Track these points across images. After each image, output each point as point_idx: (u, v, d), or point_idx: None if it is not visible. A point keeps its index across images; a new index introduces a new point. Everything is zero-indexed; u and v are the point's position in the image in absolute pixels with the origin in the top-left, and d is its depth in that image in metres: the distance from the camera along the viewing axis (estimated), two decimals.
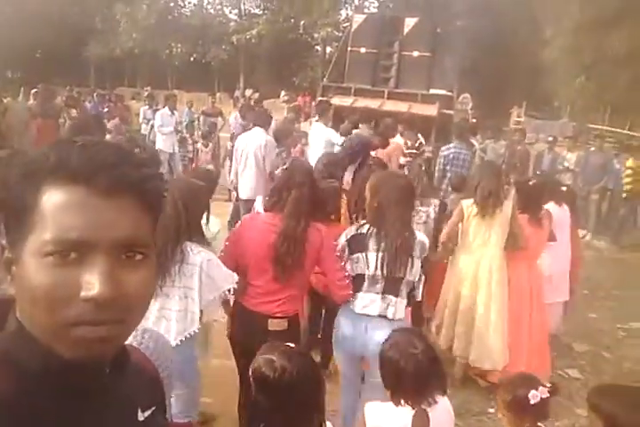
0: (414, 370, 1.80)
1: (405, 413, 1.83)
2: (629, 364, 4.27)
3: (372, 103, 9.74)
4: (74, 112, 10.50)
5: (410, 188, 2.80)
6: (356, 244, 2.66)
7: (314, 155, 6.12)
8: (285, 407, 1.55)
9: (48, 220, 0.63)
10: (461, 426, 3.15)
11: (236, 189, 6.06)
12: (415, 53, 10.29)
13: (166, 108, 8.82)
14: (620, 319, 5.09)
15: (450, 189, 5.45)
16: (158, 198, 0.72)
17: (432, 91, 10.38)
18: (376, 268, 2.59)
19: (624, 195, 8.43)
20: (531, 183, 3.93)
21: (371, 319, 2.63)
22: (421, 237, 2.73)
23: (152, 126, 10.12)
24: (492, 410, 3.49)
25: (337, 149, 6.21)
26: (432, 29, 10.79)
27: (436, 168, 6.73)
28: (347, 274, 2.63)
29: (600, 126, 16.63)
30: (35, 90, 11.20)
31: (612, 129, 16.18)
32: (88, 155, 0.65)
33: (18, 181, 0.66)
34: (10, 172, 0.68)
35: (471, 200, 3.71)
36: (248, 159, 5.71)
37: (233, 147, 7.24)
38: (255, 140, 5.72)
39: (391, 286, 2.62)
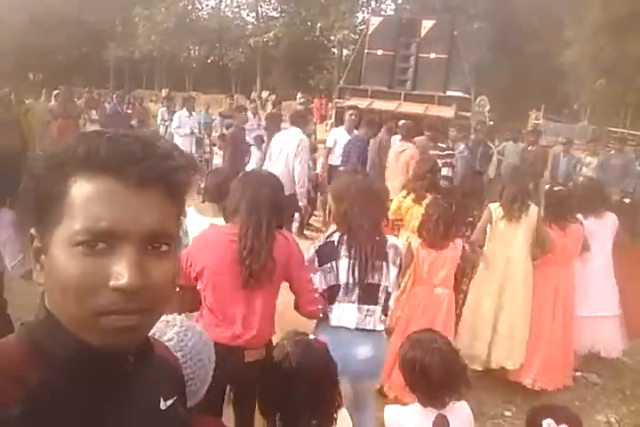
0: (441, 364, 1.77)
1: (425, 417, 1.81)
2: None
3: (389, 105, 9.74)
4: (94, 113, 10.66)
5: (374, 189, 2.66)
6: (326, 253, 2.47)
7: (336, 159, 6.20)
8: (297, 393, 1.55)
9: (77, 210, 0.64)
10: None
11: None
12: (432, 55, 10.27)
13: (184, 109, 8.89)
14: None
15: None
16: (184, 190, 0.73)
17: (449, 93, 10.36)
18: (348, 275, 2.41)
19: None
20: (556, 189, 3.96)
21: (348, 333, 2.41)
22: (394, 240, 2.60)
23: (168, 127, 10.23)
24: (508, 413, 3.46)
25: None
26: (449, 31, 10.76)
27: None
28: (315, 288, 2.37)
29: (620, 129, 16.39)
30: (56, 91, 11.37)
31: (633, 132, 15.95)
32: (117, 146, 0.66)
33: (47, 171, 0.67)
34: (39, 163, 0.69)
35: (498, 203, 3.75)
36: (279, 158, 5.64)
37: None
38: (291, 140, 5.63)
39: (367, 294, 2.43)
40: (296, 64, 30.87)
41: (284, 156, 5.55)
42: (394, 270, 2.50)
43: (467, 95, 10.69)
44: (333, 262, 2.44)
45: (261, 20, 32.32)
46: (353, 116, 6.85)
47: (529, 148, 8.59)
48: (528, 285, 3.72)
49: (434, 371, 1.77)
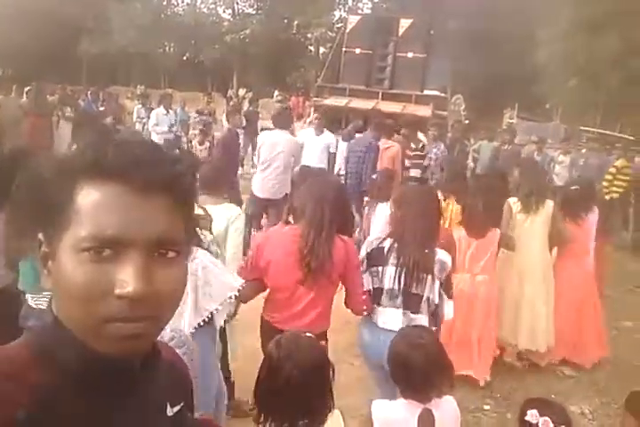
0: (423, 360, 1.82)
1: (411, 411, 1.84)
2: (623, 360, 4.32)
3: (367, 104, 9.80)
4: (68, 110, 10.45)
5: (435, 201, 2.76)
6: (376, 257, 2.63)
7: (310, 161, 6.11)
8: (291, 389, 1.57)
9: (84, 216, 0.64)
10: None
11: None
12: (410, 55, 10.37)
13: (161, 107, 8.79)
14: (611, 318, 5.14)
15: None
16: (191, 196, 0.74)
17: (426, 92, 10.47)
18: (392, 282, 2.57)
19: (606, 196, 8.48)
20: (572, 188, 4.36)
21: (388, 333, 2.47)
22: (443, 255, 2.64)
23: (144, 125, 10.12)
24: (487, 407, 3.53)
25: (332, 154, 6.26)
26: (426, 30, 10.88)
27: None
28: (365, 289, 2.60)
29: (591, 129, 16.76)
30: (28, 88, 11.13)
31: (603, 131, 16.32)
32: (124, 153, 0.66)
33: (54, 177, 0.67)
34: (46, 168, 0.69)
35: (516, 198, 4.06)
36: (276, 159, 5.60)
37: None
38: (286, 142, 5.63)
39: (410, 302, 2.58)
40: (273, 62, 30.69)
41: (280, 158, 5.56)
42: (437, 284, 2.58)
43: (443, 94, 10.82)
44: (380, 268, 2.61)
45: (237, 17, 32.03)
46: (317, 120, 6.71)
47: (504, 147, 8.73)
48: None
49: (416, 366, 1.82)
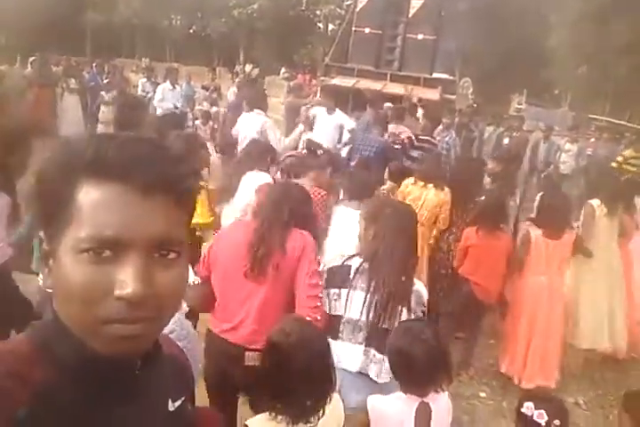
0: (426, 356, 1.79)
1: (408, 404, 1.83)
2: None
3: (375, 85, 9.67)
4: (72, 82, 10.34)
5: (414, 217, 2.41)
6: (338, 276, 2.20)
7: (320, 139, 6.00)
8: (291, 374, 1.58)
9: (84, 216, 0.63)
10: (453, 409, 3.23)
11: None
12: (420, 36, 10.19)
13: (167, 82, 8.68)
14: None
15: None
16: (193, 196, 0.72)
17: (435, 75, 10.33)
18: (361, 312, 2.13)
19: None
20: (623, 179, 4.49)
21: (347, 376, 2.11)
22: (420, 286, 2.27)
23: (150, 99, 10.01)
24: (483, 394, 3.58)
25: (346, 134, 6.10)
26: (437, 12, 10.66)
27: None
28: (320, 295, 2.15)
29: (600, 117, 16.61)
30: (32, 58, 11.00)
31: (612, 120, 16.18)
32: (125, 151, 0.65)
33: (54, 174, 0.66)
34: (47, 164, 0.67)
35: (598, 200, 3.99)
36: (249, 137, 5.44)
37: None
38: (255, 124, 5.50)
39: (376, 338, 2.11)
40: (280, 38, 30.30)
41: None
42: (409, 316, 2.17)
43: (452, 77, 10.69)
44: (343, 291, 2.17)
45: None
46: (325, 100, 6.43)
47: (513, 134, 8.65)
48: (621, 268, 4.10)
49: (417, 361, 1.80)
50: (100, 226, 0.63)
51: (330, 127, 6.16)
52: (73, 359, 0.67)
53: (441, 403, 1.89)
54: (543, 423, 1.73)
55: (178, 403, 0.80)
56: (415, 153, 6.44)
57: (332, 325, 2.17)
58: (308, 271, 2.15)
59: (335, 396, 1.73)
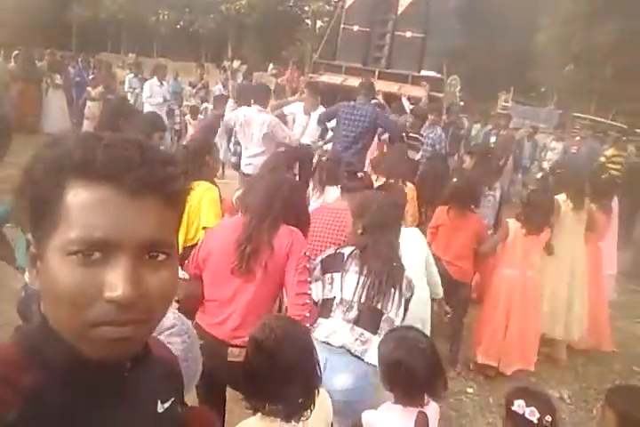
0: (425, 365, 1.76)
1: (408, 416, 1.79)
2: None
3: None
4: (57, 77, 10.22)
5: (400, 209, 2.53)
6: (333, 263, 2.30)
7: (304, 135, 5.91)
8: (277, 371, 1.58)
9: (72, 218, 0.63)
10: (441, 406, 3.25)
11: (236, 164, 5.81)
12: (408, 34, 10.19)
13: (155, 78, 8.63)
14: None
15: None
16: (183, 197, 0.72)
17: (423, 72, 10.35)
18: (354, 293, 2.20)
19: None
20: (603, 177, 4.57)
21: (333, 354, 2.11)
22: (410, 274, 2.36)
23: (137, 96, 9.93)
24: (470, 390, 3.61)
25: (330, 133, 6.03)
26: (426, 10, 10.67)
27: None
28: (309, 292, 2.19)
29: (585, 115, 16.78)
30: (16, 52, 10.85)
31: (597, 118, 16.36)
32: (114, 153, 0.64)
33: (43, 176, 0.65)
34: (34, 166, 0.67)
35: (564, 195, 4.05)
36: (255, 136, 5.13)
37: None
38: (259, 122, 5.10)
39: (367, 318, 2.17)
40: (268, 34, 30.17)
41: (262, 135, 5.15)
42: (403, 304, 2.25)
43: (440, 75, 10.71)
44: (336, 274, 2.26)
45: None
46: (308, 97, 6.12)
47: (500, 132, 8.72)
48: (585, 262, 4.17)
49: (418, 372, 1.77)
50: (88, 228, 0.62)
51: (311, 124, 6.00)
52: (62, 363, 0.67)
53: (433, 412, 1.86)
54: (535, 421, 1.73)
55: (167, 405, 0.80)
56: (410, 154, 6.49)
57: (326, 307, 2.24)
58: (296, 268, 2.16)
59: (322, 390, 1.72)
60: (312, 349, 1.69)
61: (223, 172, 7.14)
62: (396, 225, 2.43)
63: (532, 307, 3.76)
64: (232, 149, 7.48)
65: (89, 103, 9.62)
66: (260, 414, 1.59)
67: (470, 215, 3.79)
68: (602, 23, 16.00)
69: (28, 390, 0.64)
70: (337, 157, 4.34)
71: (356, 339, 2.15)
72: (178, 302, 2.05)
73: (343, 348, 2.13)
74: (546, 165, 9.05)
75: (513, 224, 3.72)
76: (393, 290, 2.22)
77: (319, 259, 2.37)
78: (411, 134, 6.23)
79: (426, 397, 1.82)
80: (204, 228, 2.91)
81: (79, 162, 0.63)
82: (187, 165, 3.06)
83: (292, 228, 2.25)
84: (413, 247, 2.85)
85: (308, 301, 2.16)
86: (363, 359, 2.12)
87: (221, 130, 7.32)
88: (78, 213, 0.63)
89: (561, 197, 4.07)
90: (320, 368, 1.69)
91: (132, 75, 10.41)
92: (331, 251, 2.40)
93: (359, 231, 2.36)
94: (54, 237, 0.64)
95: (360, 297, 2.19)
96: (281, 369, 1.58)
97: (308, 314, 2.12)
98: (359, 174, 3.34)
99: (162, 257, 0.67)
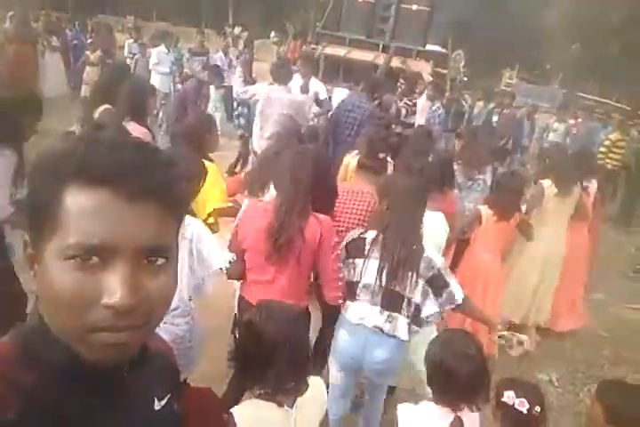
0: (468, 373, 1.76)
1: (444, 417, 1.80)
2: (589, 330, 4.48)
3: (366, 56, 9.50)
4: (54, 40, 9.98)
5: (423, 192, 2.57)
6: (356, 249, 2.44)
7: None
8: (259, 349, 1.58)
9: (71, 222, 0.62)
10: None
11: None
12: (414, 7, 9.96)
13: (162, 45, 8.53)
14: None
15: None
16: (184, 200, 0.73)
17: (428, 47, 10.17)
18: (374, 277, 2.37)
19: None
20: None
21: (370, 333, 2.39)
22: (430, 252, 2.44)
23: (137, 61, 9.74)
24: None
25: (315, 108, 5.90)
26: None
27: None
28: (341, 276, 2.41)
29: (589, 96, 16.59)
30: (11, 13, 10.57)
31: (601, 100, 16.19)
32: (113, 157, 0.63)
33: (41, 179, 0.65)
34: (34, 169, 0.66)
35: (549, 181, 3.99)
36: (272, 118, 4.98)
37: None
38: (283, 102, 4.97)
39: (390, 300, 2.37)
40: (271, 1, 29.43)
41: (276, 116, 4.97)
42: (421, 283, 2.38)
43: (444, 50, 10.52)
44: (359, 260, 2.41)
45: None
46: (303, 68, 5.94)
47: (503, 111, 8.62)
48: (563, 249, 4.13)
49: (458, 376, 1.77)
50: (87, 233, 0.62)
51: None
52: (59, 364, 0.67)
53: (472, 421, 1.85)
54: (525, 411, 1.76)
55: (164, 401, 0.80)
56: (399, 129, 6.43)
57: (351, 289, 2.43)
58: (330, 256, 2.34)
59: (317, 379, 1.74)
60: (301, 335, 1.67)
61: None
62: (419, 206, 2.50)
63: (495, 291, 3.72)
64: (236, 122, 7.40)
65: (88, 68, 9.43)
66: (250, 399, 1.60)
67: (441, 197, 3.60)
68: (611, 2, 15.67)
69: (26, 390, 0.64)
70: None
71: (385, 320, 2.37)
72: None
73: (376, 328, 2.37)
74: (546, 146, 8.98)
75: (485, 211, 3.65)
76: (410, 273, 2.35)
77: (343, 244, 2.47)
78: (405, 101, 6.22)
79: (468, 407, 1.82)
80: (214, 209, 2.95)
81: (77, 166, 0.63)
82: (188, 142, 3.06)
83: (320, 215, 2.34)
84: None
85: (340, 284, 2.40)
86: (393, 336, 2.37)
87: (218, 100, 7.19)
88: (76, 217, 0.62)
89: (546, 182, 4.00)
90: (310, 355, 1.69)
91: (131, 40, 10.19)
92: (354, 235, 2.49)
93: (384, 208, 2.47)
94: (52, 241, 0.63)
95: (381, 282, 2.36)
96: (264, 350, 1.57)
97: (341, 295, 2.40)
98: (380, 155, 3.30)
99: (161, 261, 0.67)
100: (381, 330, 2.37)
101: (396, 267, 2.35)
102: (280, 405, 1.59)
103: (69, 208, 0.62)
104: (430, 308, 2.41)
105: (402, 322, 2.37)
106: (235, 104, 7.54)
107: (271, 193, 3.24)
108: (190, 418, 0.85)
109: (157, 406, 0.79)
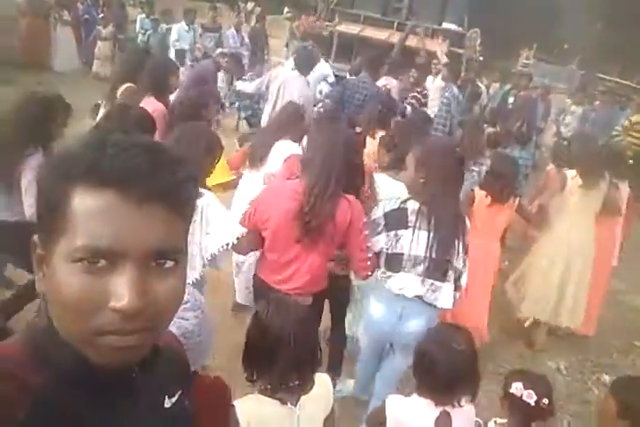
0: (451, 368, 1.73)
1: (428, 411, 1.79)
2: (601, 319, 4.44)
3: (381, 34, 9.33)
4: (66, 14, 9.88)
5: (461, 160, 2.51)
6: (397, 219, 2.36)
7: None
8: (282, 350, 1.56)
9: (79, 225, 0.62)
10: None
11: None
12: None
13: (182, 22, 8.52)
14: None
15: None
16: (192, 202, 0.71)
17: (444, 25, 9.94)
18: (419, 248, 2.33)
19: None
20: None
21: (408, 303, 2.37)
22: (466, 221, 2.48)
23: (149, 37, 9.64)
24: None
25: (325, 86, 5.84)
26: None
27: None
28: (370, 255, 2.39)
29: (609, 78, 16.19)
30: None
31: (621, 81, 15.79)
32: (122, 159, 0.63)
33: (50, 180, 0.65)
34: (43, 171, 0.67)
35: (574, 172, 3.79)
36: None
37: None
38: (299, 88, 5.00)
39: (436, 269, 2.35)
40: None
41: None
42: (462, 252, 2.40)
43: (460, 29, 10.28)
44: (402, 231, 2.34)
45: None
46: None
47: (520, 92, 8.44)
48: (592, 247, 3.88)
49: (442, 370, 1.76)
50: (95, 236, 0.61)
51: (311, 78, 5.71)
52: (68, 366, 0.66)
53: (463, 417, 1.84)
54: (532, 403, 1.76)
55: (174, 398, 0.80)
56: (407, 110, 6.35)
57: (395, 262, 2.38)
58: (360, 236, 2.33)
59: (324, 376, 1.72)
60: (308, 334, 1.64)
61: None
62: (460, 176, 2.48)
63: (485, 280, 3.57)
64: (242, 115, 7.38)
65: (99, 43, 9.35)
66: (254, 394, 1.59)
67: None
68: None
69: (36, 391, 0.64)
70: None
71: (428, 289, 2.36)
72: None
73: (416, 297, 2.36)
74: (563, 129, 8.81)
75: (478, 192, 3.56)
76: (457, 241, 2.37)
77: (381, 213, 2.39)
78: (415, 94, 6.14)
79: (457, 399, 1.80)
80: (218, 184, 2.97)
81: (86, 167, 0.62)
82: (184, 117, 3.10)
83: (350, 197, 2.33)
84: None
85: (369, 262, 2.39)
86: (434, 306, 2.38)
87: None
88: (84, 220, 0.62)
89: (570, 173, 3.82)
90: (320, 352, 1.66)
91: (143, 15, 10.04)
92: (393, 205, 2.40)
93: (420, 179, 2.38)
94: (61, 243, 0.63)
95: (432, 253, 2.33)
96: (269, 344, 1.56)
97: (371, 272, 2.43)
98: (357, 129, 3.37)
99: (169, 264, 0.66)
100: (421, 299, 2.36)
101: (447, 237, 2.34)
102: (283, 402, 1.57)
103: (77, 210, 0.62)
104: (466, 274, 2.45)
105: (446, 290, 2.37)
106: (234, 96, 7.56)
107: (268, 167, 3.33)
108: (201, 410, 0.85)
109: (168, 403, 0.79)
